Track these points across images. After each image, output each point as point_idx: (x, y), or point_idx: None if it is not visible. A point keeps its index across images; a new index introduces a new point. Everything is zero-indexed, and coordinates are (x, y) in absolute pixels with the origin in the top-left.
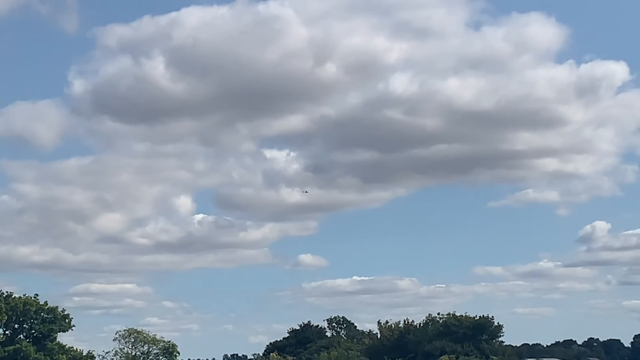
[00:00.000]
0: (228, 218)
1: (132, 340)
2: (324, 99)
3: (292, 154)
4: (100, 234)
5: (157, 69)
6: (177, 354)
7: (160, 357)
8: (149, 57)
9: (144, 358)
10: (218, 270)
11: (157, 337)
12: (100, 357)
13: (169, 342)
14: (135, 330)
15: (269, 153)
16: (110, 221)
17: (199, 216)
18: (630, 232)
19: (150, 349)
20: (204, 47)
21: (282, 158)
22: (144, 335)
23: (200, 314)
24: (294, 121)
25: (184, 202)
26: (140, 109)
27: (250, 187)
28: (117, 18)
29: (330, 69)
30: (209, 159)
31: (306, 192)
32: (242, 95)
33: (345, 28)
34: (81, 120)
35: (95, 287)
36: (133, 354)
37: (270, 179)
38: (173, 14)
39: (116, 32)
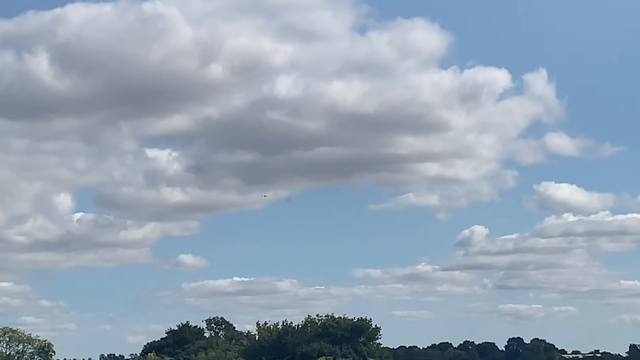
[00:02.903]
0: (108, 217)
1: (7, 339)
2: (208, 100)
3: (173, 153)
4: None
5: (41, 65)
6: (53, 354)
7: (35, 357)
8: (33, 53)
9: (18, 357)
10: (97, 270)
11: (33, 336)
12: None
13: (45, 341)
14: (10, 329)
15: (151, 152)
16: None
17: (79, 215)
18: (507, 237)
19: (25, 348)
20: (88, 44)
21: (163, 158)
22: (19, 334)
23: (78, 313)
24: (177, 121)
25: (64, 200)
26: (23, 105)
27: (132, 186)
28: (0, 13)
29: (215, 70)
30: (90, 157)
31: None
32: (126, 94)
33: (230, 29)
34: None
35: None
36: (7, 353)
37: (151, 179)
38: (57, 10)
39: None
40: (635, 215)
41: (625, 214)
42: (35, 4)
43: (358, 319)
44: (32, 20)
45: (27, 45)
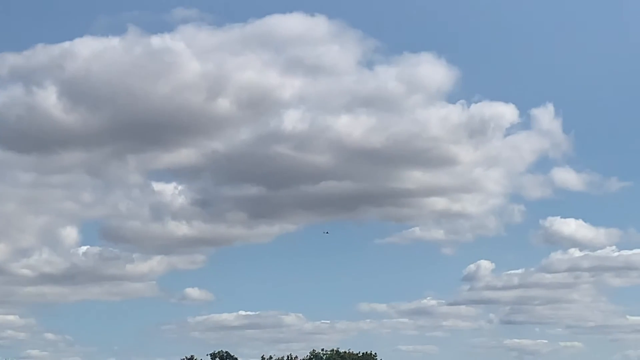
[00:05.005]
0: (114, 250)
1: None
2: (215, 134)
3: (179, 187)
4: None
5: (49, 99)
6: None
7: None
8: (41, 87)
9: None
10: (103, 303)
11: None
12: None
13: None
14: None
15: (157, 186)
16: None
17: (84, 248)
18: (512, 272)
19: None
20: (96, 78)
21: (169, 191)
22: None
23: (83, 346)
24: (183, 155)
25: (70, 234)
26: (30, 139)
27: (137, 219)
28: (10, 46)
29: (222, 104)
30: (96, 190)
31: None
32: (133, 128)
33: (237, 63)
34: None
35: None
36: None
37: (157, 212)
38: (66, 44)
39: (8, 61)
40: None
41: (632, 249)
42: (44, 38)
43: (363, 353)
44: (41, 53)
45: (36, 79)
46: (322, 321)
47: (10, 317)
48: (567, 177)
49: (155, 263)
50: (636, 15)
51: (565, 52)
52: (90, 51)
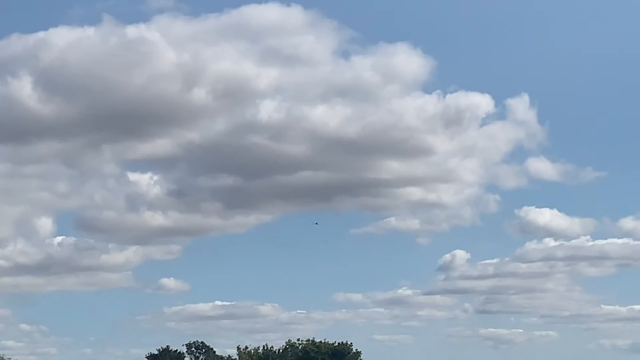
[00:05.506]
0: (89, 240)
1: None
2: (191, 124)
3: (155, 177)
4: None
5: (24, 89)
6: None
7: None
8: (16, 77)
9: None
10: (78, 293)
11: None
12: None
13: None
14: None
15: (133, 176)
16: None
17: (60, 238)
18: (487, 261)
19: None
20: (71, 68)
21: (145, 181)
22: None
23: (58, 337)
24: (159, 145)
25: (45, 224)
26: (5, 129)
27: (113, 209)
28: None
29: (198, 94)
30: (71, 180)
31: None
32: (109, 118)
33: (213, 53)
34: None
35: None
36: None
37: (132, 202)
38: (41, 34)
39: None
40: (616, 240)
41: (606, 239)
42: (19, 27)
43: (339, 343)
44: (16, 43)
45: (11, 69)
46: (298, 311)
47: None
48: (542, 167)
49: (131, 253)
50: (611, 7)
51: (540, 43)
52: (65, 41)
